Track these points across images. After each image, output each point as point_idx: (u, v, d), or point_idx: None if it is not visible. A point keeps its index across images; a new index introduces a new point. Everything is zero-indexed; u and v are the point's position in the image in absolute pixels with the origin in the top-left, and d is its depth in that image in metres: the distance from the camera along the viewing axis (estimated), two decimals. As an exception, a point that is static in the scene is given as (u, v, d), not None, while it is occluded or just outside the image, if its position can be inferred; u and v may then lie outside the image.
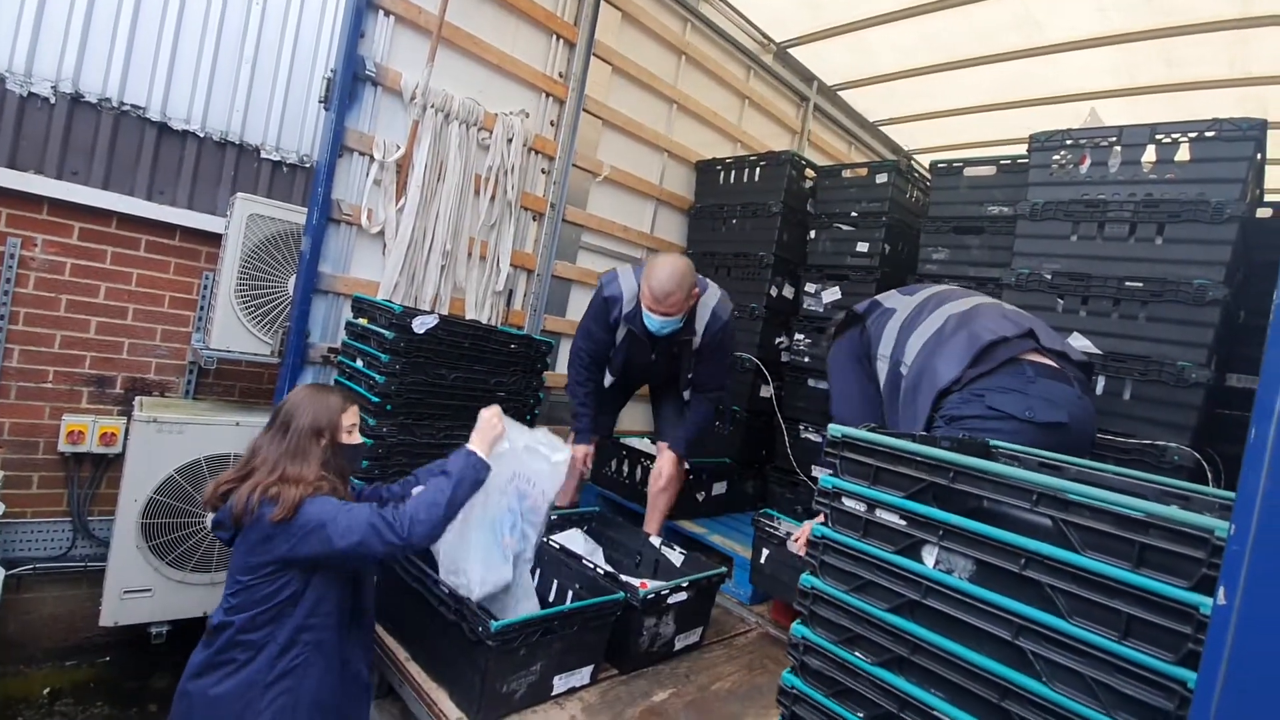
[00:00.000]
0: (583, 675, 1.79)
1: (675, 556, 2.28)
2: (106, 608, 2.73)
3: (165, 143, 3.16)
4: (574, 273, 3.40)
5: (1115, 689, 0.68)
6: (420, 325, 2.29)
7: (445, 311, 2.85)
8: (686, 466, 2.77)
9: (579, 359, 2.63)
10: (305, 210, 2.98)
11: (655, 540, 2.37)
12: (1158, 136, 2.19)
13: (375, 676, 2.00)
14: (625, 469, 3.20)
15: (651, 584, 1.92)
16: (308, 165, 3.57)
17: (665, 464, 2.63)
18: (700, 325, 2.50)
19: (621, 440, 3.14)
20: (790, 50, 4.28)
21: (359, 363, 2.37)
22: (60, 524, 3.04)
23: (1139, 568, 0.68)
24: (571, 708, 1.73)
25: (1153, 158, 2.22)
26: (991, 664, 0.77)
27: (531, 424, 2.71)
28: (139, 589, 2.77)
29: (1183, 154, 2.17)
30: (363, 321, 2.39)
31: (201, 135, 3.24)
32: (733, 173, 3.74)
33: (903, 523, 0.87)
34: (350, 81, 2.42)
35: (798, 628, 0.96)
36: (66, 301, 2.98)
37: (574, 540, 2.31)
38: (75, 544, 3.05)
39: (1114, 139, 2.27)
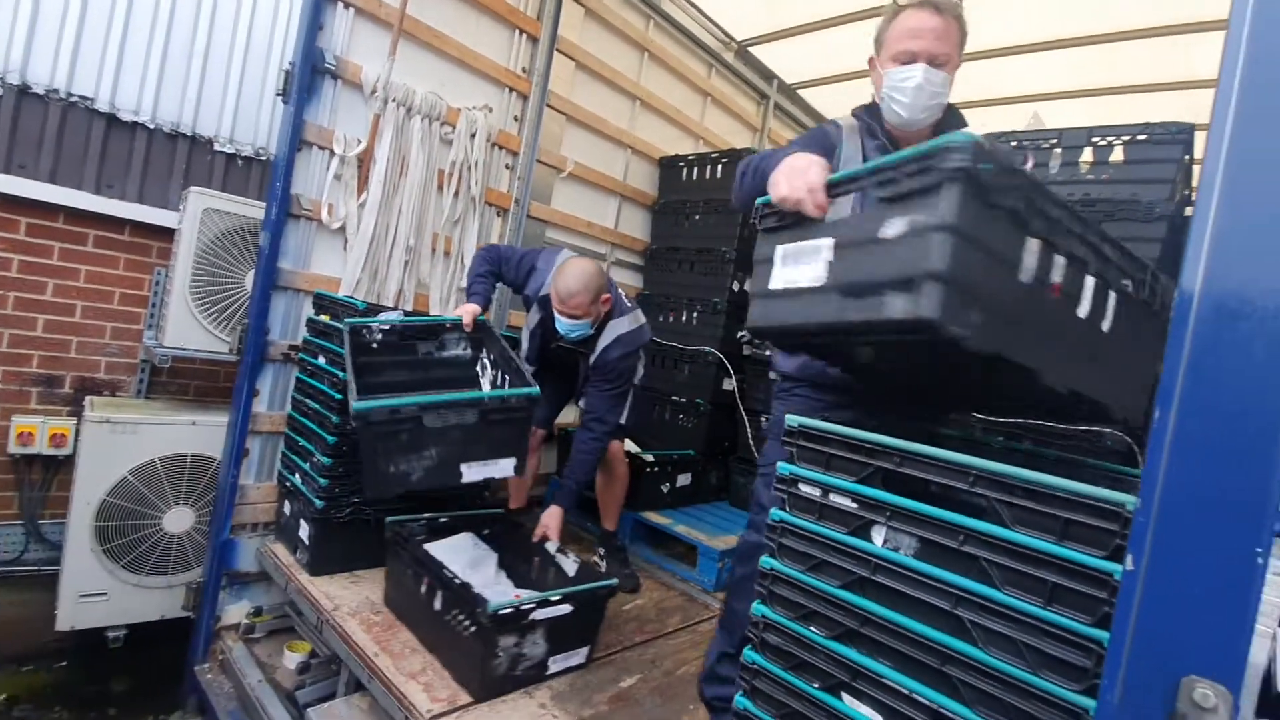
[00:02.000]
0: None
1: (569, 564, 2.12)
2: (62, 612, 2.65)
3: (114, 135, 3.06)
4: (539, 268, 3.40)
5: (1041, 650, 0.75)
6: (383, 321, 2.29)
7: (410, 307, 2.83)
8: (631, 448, 2.77)
9: (484, 259, 2.51)
10: (263, 204, 2.93)
11: (551, 546, 2.23)
12: (1094, 139, 2.32)
13: (344, 670, 2.01)
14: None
15: (525, 595, 1.76)
16: (263, 158, 3.49)
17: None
18: (600, 344, 2.45)
19: (571, 433, 3.17)
20: (751, 49, 4.34)
21: (321, 359, 2.34)
22: (11, 528, 2.94)
23: (1063, 540, 0.75)
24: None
25: (1090, 159, 2.35)
26: (933, 633, 0.84)
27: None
28: (94, 593, 2.69)
29: (1117, 155, 2.30)
30: (325, 318, 2.37)
31: (152, 127, 3.15)
32: (695, 169, 3.79)
33: (854, 505, 0.93)
34: (309, 74, 2.38)
35: (758, 607, 1.02)
36: (14, 299, 2.88)
37: (461, 545, 2.15)
38: (28, 548, 2.95)
39: (1054, 141, 2.39)
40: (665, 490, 3.22)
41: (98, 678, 3.02)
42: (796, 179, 1.11)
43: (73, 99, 2.93)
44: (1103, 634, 0.70)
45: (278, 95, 2.41)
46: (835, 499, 0.95)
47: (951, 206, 0.77)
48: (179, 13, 3.16)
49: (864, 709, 0.89)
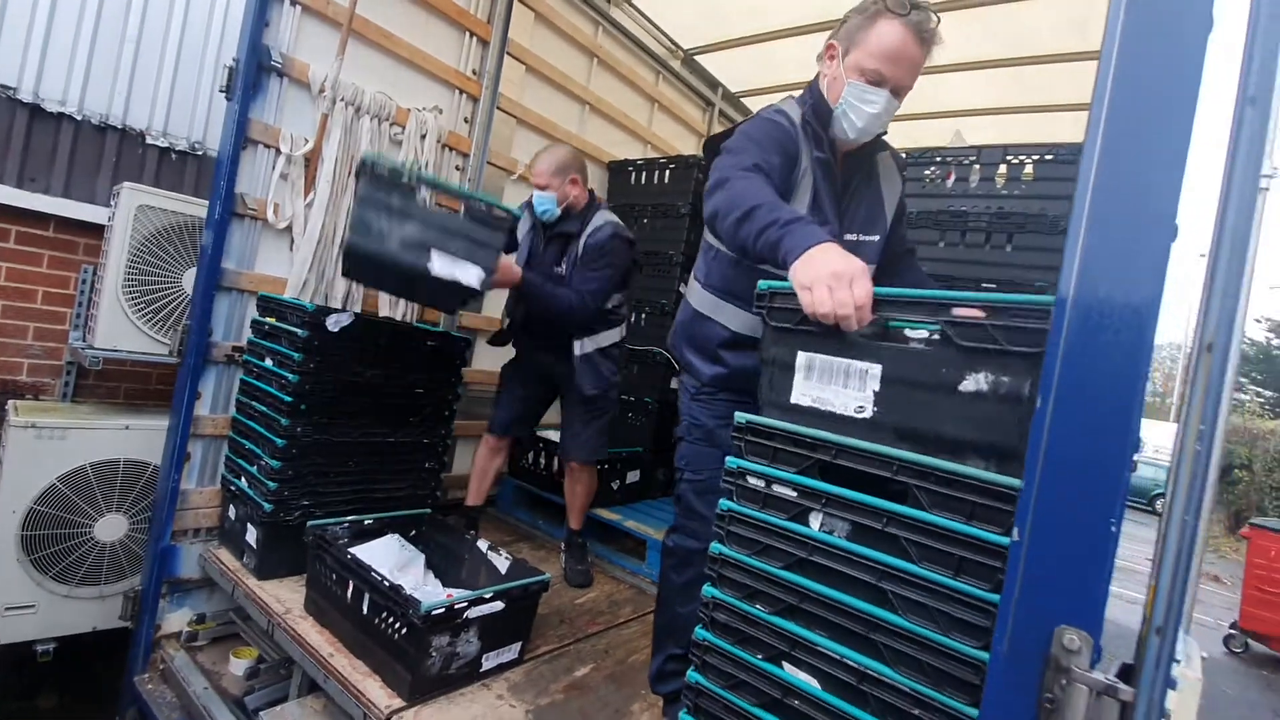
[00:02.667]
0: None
1: (501, 562, 2.13)
2: (-16, 628, 2.52)
3: (38, 126, 2.92)
4: (489, 269, 3.43)
5: (951, 615, 0.88)
6: (334, 323, 2.28)
7: (358, 309, 2.82)
8: (598, 462, 2.85)
9: None
10: (201, 201, 2.86)
11: (482, 545, 2.23)
12: (1008, 157, 2.54)
13: (296, 673, 2.01)
14: (542, 461, 3.29)
15: (457, 595, 1.76)
16: (200, 153, 3.39)
17: (569, 471, 2.77)
18: (589, 227, 2.61)
19: (538, 433, 3.22)
20: (697, 57, 4.47)
21: (268, 361, 2.32)
22: (-77, 541, 2.76)
23: (970, 520, 0.88)
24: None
25: (1005, 175, 2.57)
26: (862, 604, 0.95)
27: (450, 420, 2.76)
28: (21, 605, 2.56)
29: (1029, 172, 2.52)
30: (271, 320, 2.35)
31: (79, 118, 3.01)
32: (643, 174, 3.88)
33: (794, 494, 1.04)
34: (254, 71, 2.35)
35: (708, 589, 1.11)
36: (-76, 297, 2.71)
37: (387, 548, 2.14)
38: (-61, 562, 2.78)
39: (974, 158, 2.60)
40: (615, 487, 3.30)
41: (22, 694, 2.88)
42: (843, 293, 0.98)
43: (-9, 87, 2.78)
44: (998, 597, 0.82)
45: (221, 91, 2.36)
46: (778, 489, 1.06)
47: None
48: (108, -1, 3.03)
49: (802, 675, 0.99)
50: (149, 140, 3.23)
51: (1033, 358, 0.83)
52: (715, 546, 1.11)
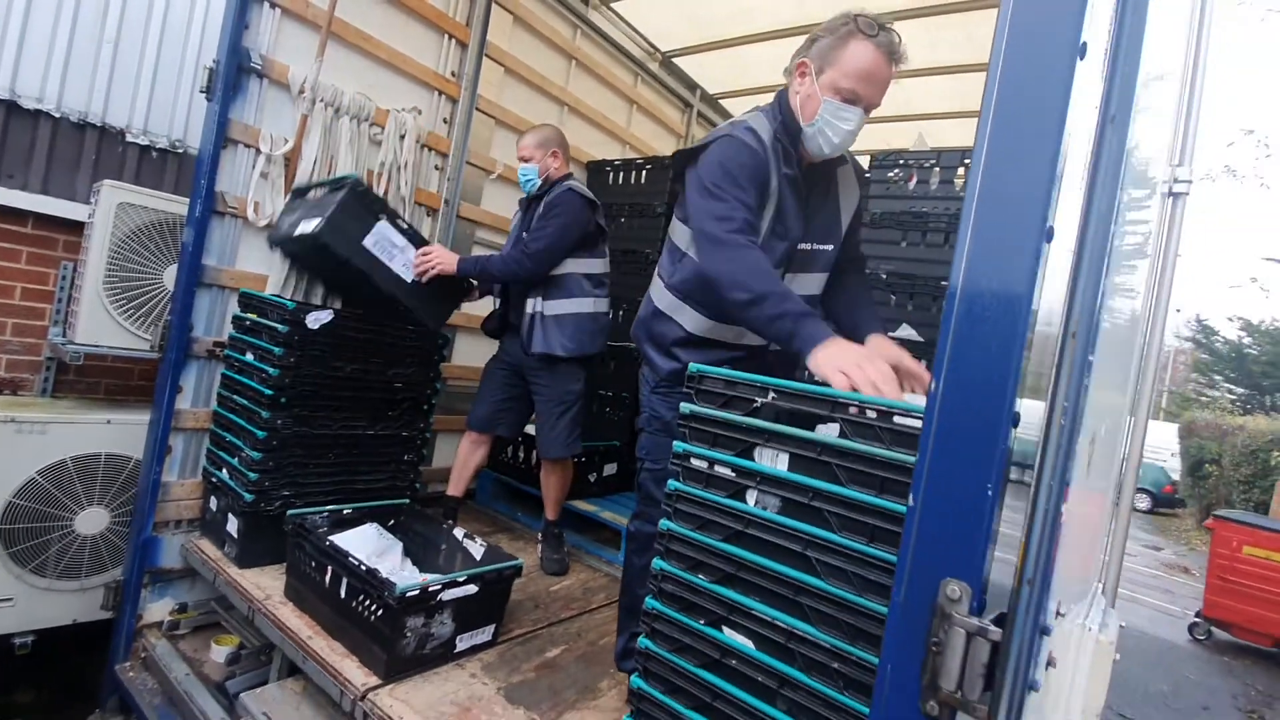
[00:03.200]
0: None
1: (476, 549, 2.20)
2: (-41, 621, 2.55)
3: (15, 122, 2.94)
4: (468, 267, 3.50)
5: (865, 577, 0.97)
6: (314, 321, 2.35)
7: (339, 305, 2.88)
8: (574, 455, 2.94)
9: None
10: (181, 199, 2.90)
11: (458, 533, 2.31)
12: (965, 160, 2.65)
13: (277, 657, 2.08)
14: (521, 455, 3.36)
15: (430, 578, 1.83)
16: (180, 150, 3.42)
17: (544, 465, 2.86)
18: (552, 192, 2.72)
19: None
20: (675, 59, 4.56)
21: (249, 356, 2.38)
22: (-104, 535, 2.79)
23: (881, 493, 0.97)
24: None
25: (963, 177, 2.68)
26: (790, 570, 1.04)
27: (429, 414, 2.83)
28: (-1, 599, 2.60)
29: (985, 176, 2.63)
30: (252, 316, 2.40)
31: (57, 115, 3.04)
32: (621, 174, 3.97)
33: (732, 474, 1.13)
34: (234, 72, 2.40)
35: (657, 562, 1.20)
36: (-99, 293, 2.73)
37: (365, 536, 2.20)
38: (-84, 557, 2.80)
39: (934, 161, 2.71)
40: (592, 480, 3.39)
41: (2, 688, 2.90)
42: (873, 370, 1.11)
43: (-33, 84, 2.81)
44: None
45: (201, 92, 2.41)
46: (719, 470, 1.15)
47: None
48: (86, -4, 3.06)
49: (739, 637, 1.09)
50: (129, 138, 3.26)
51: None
52: (664, 523, 1.20)
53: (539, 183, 2.77)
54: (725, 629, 1.10)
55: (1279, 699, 6.12)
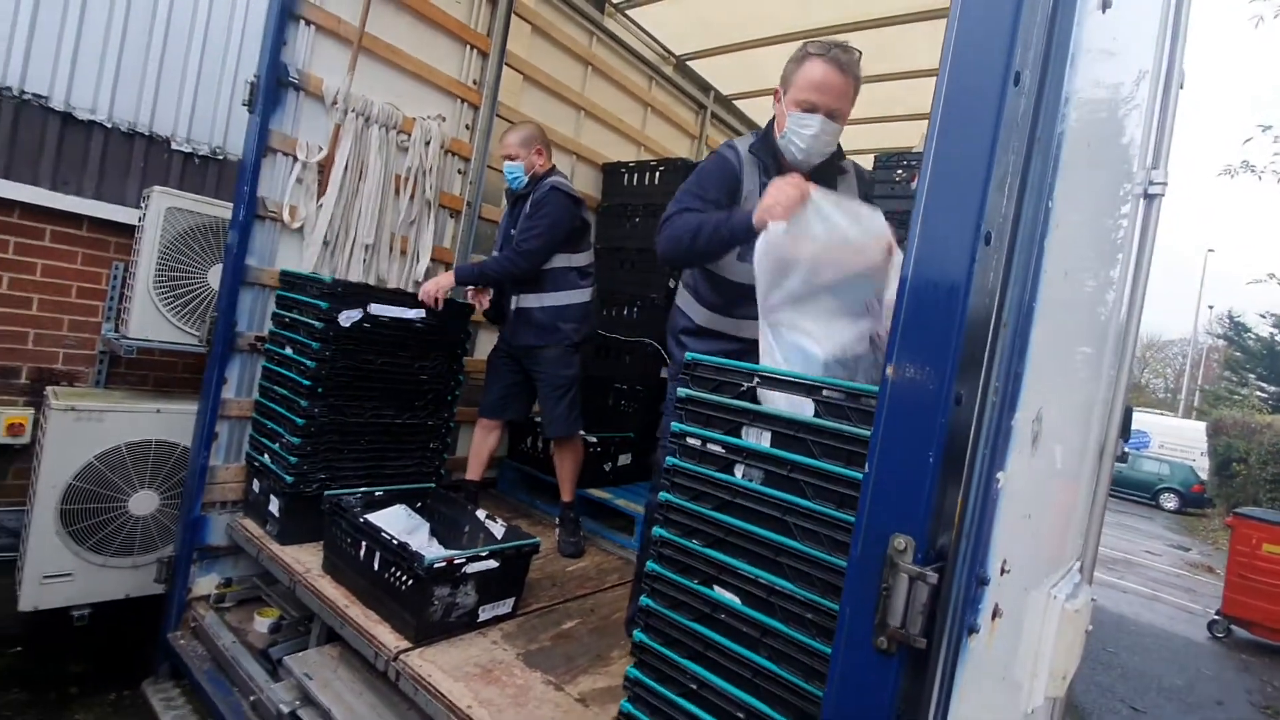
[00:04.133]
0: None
1: (497, 528, 2.36)
2: (26, 593, 2.77)
3: (70, 133, 3.17)
4: (489, 266, 3.67)
5: (835, 538, 1.11)
6: (347, 319, 2.52)
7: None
8: (588, 438, 3.11)
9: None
10: (224, 203, 3.11)
11: (480, 514, 2.47)
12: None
13: (315, 626, 2.26)
14: (539, 444, 3.53)
15: (455, 553, 1.98)
16: (220, 157, 3.64)
17: (554, 447, 3.07)
18: (538, 190, 2.89)
19: (534, 418, 3.46)
20: (689, 62, 4.69)
21: (288, 350, 2.57)
22: (-31, 515, 3.04)
23: (848, 464, 1.11)
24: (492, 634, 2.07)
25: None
26: (771, 534, 1.18)
27: (452, 405, 3.00)
28: (59, 574, 2.82)
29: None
30: (291, 313, 2.59)
31: (109, 126, 3.27)
32: (636, 175, 4.11)
33: (722, 450, 1.27)
34: (274, 86, 2.59)
35: (657, 530, 1.35)
36: (-31, 293, 2.97)
37: (395, 516, 2.36)
38: (-16, 535, 3.05)
39: (934, 162, 2.81)
40: (607, 469, 3.55)
41: (58, 658, 3.13)
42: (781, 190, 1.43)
43: (26, 97, 3.03)
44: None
45: (244, 105, 2.60)
46: (711, 447, 1.29)
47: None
48: (134, 12, 3.28)
49: (727, 594, 1.23)
50: (174, 146, 3.49)
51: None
52: (662, 495, 1.34)
53: (525, 179, 2.94)
54: (715, 587, 1.24)
55: (1297, 697, 6.08)
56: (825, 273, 1.46)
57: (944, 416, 0.90)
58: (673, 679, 1.29)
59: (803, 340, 1.37)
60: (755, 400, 1.24)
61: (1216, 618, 7.38)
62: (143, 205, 3.07)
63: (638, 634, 1.35)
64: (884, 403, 0.94)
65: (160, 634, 2.68)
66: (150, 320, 2.98)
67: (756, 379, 1.24)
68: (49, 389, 3.06)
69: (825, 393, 1.14)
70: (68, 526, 2.80)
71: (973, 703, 1.04)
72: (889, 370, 0.94)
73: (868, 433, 1.08)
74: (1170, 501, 17.67)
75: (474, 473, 3.07)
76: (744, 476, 1.24)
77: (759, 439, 1.23)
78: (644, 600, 1.34)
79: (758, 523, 1.21)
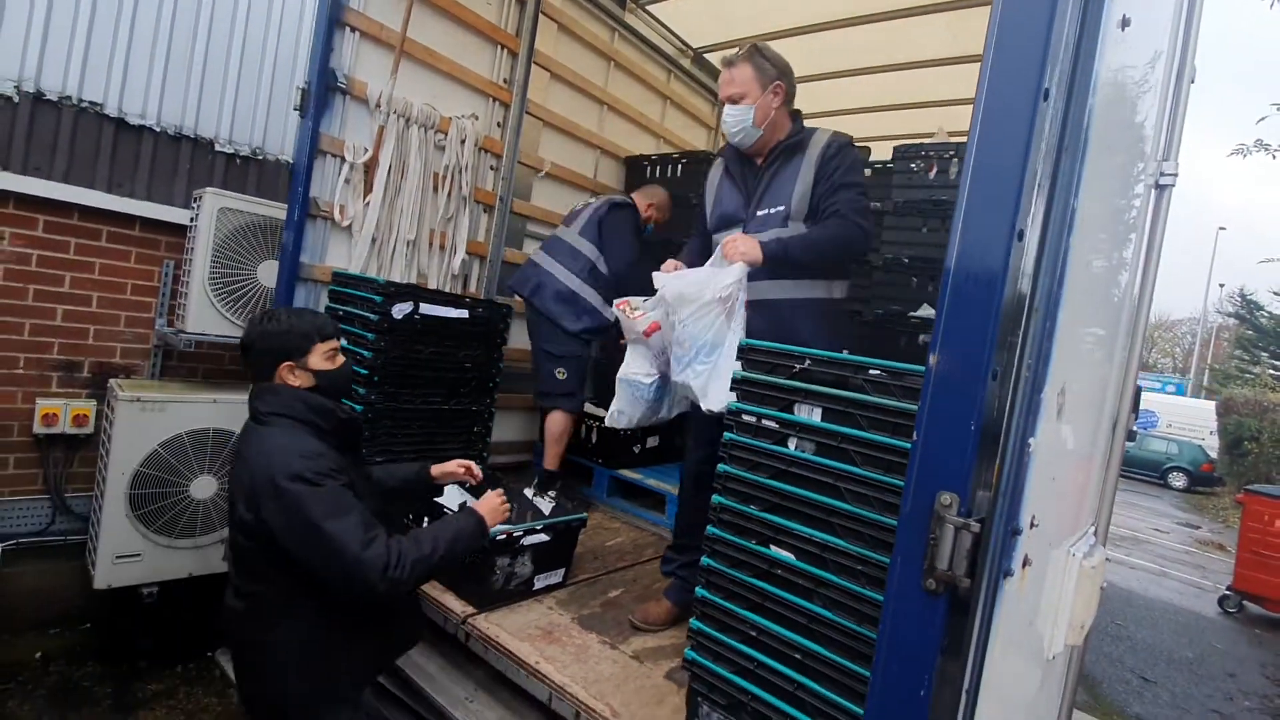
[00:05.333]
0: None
1: (545, 505, 2.56)
2: (100, 572, 2.96)
3: (122, 138, 3.32)
4: (520, 258, 3.80)
5: (883, 500, 1.26)
6: (399, 311, 2.68)
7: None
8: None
9: None
10: (269, 202, 3.27)
11: (528, 492, 2.69)
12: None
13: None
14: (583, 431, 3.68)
15: (513, 526, 2.14)
16: (260, 158, 3.79)
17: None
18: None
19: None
20: (706, 55, 4.79)
21: (343, 342, 2.72)
22: (38, 501, 3.22)
23: (894, 435, 1.25)
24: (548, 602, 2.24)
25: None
26: (823, 498, 1.33)
27: (493, 392, 3.16)
28: (129, 554, 3.01)
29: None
30: (345, 306, 2.75)
31: (157, 130, 3.42)
32: (658, 168, 4.23)
33: (776, 425, 1.42)
34: (324, 92, 2.73)
35: (716, 498, 1.50)
36: (34, 291, 3.13)
37: (451, 494, 2.45)
38: (55, 520, 3.24)
39: (953, 153, 2.93)
40: (637, 451, 3.71)
41: (127, 634, 3.34)
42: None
43: (84, 105, 3.18)
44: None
45: (295, 110, 2.74)
46: (765, 423, 1.44)
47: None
48: (179, 22, 3.42)
49: (783, 552, 1.38)
50: (217, 148, 3.63)
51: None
52: (721, 467, 1.50)
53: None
54: (772, 546, 1.40)
55: (1311, 670, 6.21)
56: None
57: (983, 390, 1.04)
58: (734, 628, 1.45)
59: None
60: (808, 381, 1.38)
61: (1228, 593, 7.51)
62: (194, 206, 3.23)
63: (700, 590, 1.51)
64: (930, 379, 1.08)
65: (228, 609, 2.87)
66: (206, 315, 3.15)
67: (808, 360, 1.38)
68: (111, 381, 3.24)
69: (873, 372, 1.29)
70: (136, 510, 2.99)
71: (1005, 643, 1.19)
72: (934, 349, 1.08)
73: (912, 407, 1.23)
74: (1179, 480, 17.75)
75: (552, 460, 3.15)
76: (797, 448, 1.39)
77: (810, 414, 1.37)
78: (705, 560, 1.50)
79: (811, 489, 1.36)
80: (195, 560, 3.19)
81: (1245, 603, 7.36)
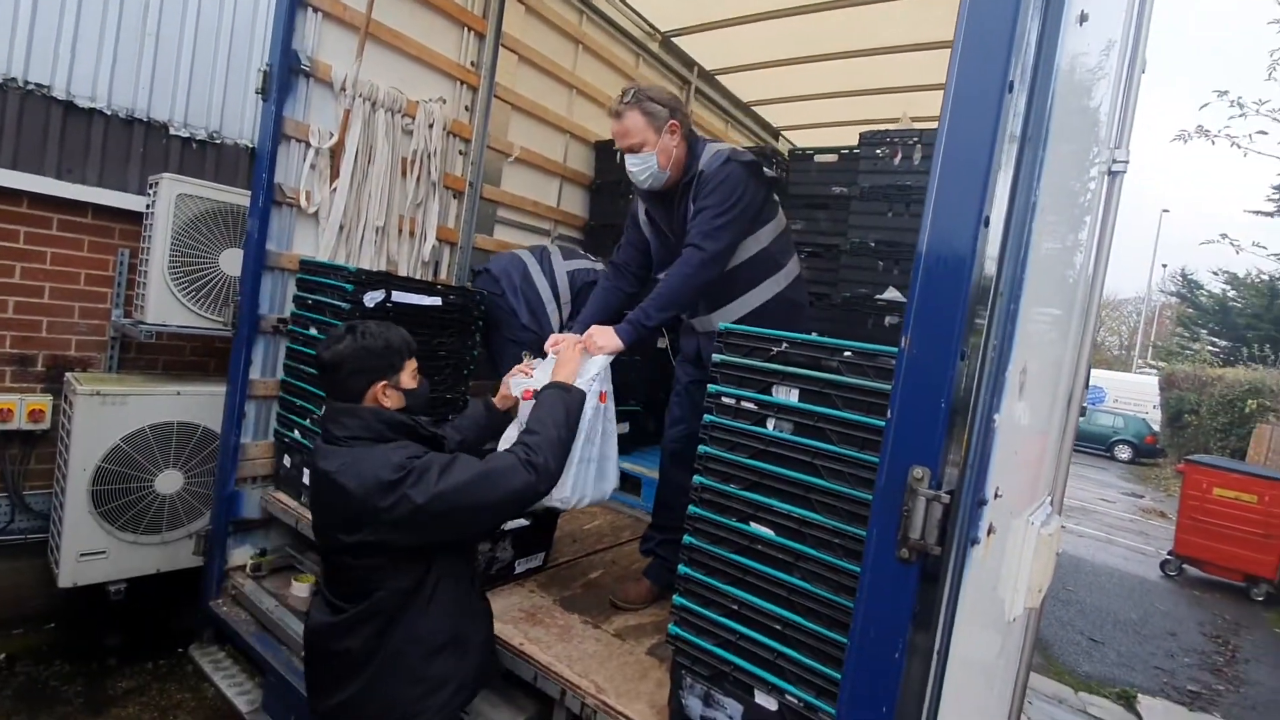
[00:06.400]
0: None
1: None
2: (64, 570, 2.88)
3: (72, 121, 3.19)
4: (491, 244, 3.80)
5: (858, 476, 1.32)
6: (370, 299, 2.65)
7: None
8: None
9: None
10: (230, 189, 3.19)
11: None
12: (945, 138, 2.94)
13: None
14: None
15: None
16: (218, 141, 3.67)
17: None
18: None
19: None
20: (674, 39, 4.78)
21: (313, 330, 2.69)
22: (-4, 500, 3.11)
23: (868, 413, 1.31)
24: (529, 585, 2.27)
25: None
26: (801, 476, 1.39)
27: (468, 379, 3.16)
28: (94, 552, 2.93)
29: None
30: (315, 295, 2.70)
31: (108, 113, 3.28)
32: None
33: (755, 407, 1.47)
34: (286, 74, 2.66)
35: (698, 478, 1.55)
36: (-17, 283, 3.01)
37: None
38: (14, 518, 3.14)
39: (916, 139, 3.00)
40: (611, 436, 3.74)
41: (95, 632, 3.27)
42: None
43: (30, 87, 3.04)
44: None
45: (257, 93, 2.67)
46: (744, 404, 1.49)
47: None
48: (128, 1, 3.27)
49: (763, 528, 1.44)
50: (172, 131, 3.50)
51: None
52: (702, 448, 1.54)
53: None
54: (752, 523, 1.45)
55: (1245, 627, 6.64)
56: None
57: (953, 370, 1.10)
58: (716, 603, 1.51)
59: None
60: (785, 363, 1.43)
61: (1169, 558, 7.96)
62: (150, 192, 3.12)
63: (682, 567, 1.56)
64: (903, 360, 1.14)
65: (201, 603, 2.83)
66: (167, 305, 3.06)
67: (785, 344, 1.43)
68: (68, 375, 3.13)
69: (848, 354, 1.34)
70: (99, 507, 2.91)
71: (971, 608, 1.27)
72: (906, 331, 1.14)
73: (885, 386, 1.29)
74: (1124, 452, 18.62)
75: None
76: (775, 428, 1.44)
77: (788, 395, 1.42)
78: (687, 539, 1.55)
79: (789, 467, 1.41)
80: (163, 556, 3.13)
81: (1185, 566, 7.82)
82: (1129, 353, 33.59)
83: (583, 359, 2.02)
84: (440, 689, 1.56)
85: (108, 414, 2.92)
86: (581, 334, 2.14)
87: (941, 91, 1.17)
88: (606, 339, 2.06)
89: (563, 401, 1.73)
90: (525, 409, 1.94)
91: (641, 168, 2.18)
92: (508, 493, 1.51)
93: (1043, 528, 1.61)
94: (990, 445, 1.15)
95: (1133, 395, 20.20)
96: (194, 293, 3.12)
